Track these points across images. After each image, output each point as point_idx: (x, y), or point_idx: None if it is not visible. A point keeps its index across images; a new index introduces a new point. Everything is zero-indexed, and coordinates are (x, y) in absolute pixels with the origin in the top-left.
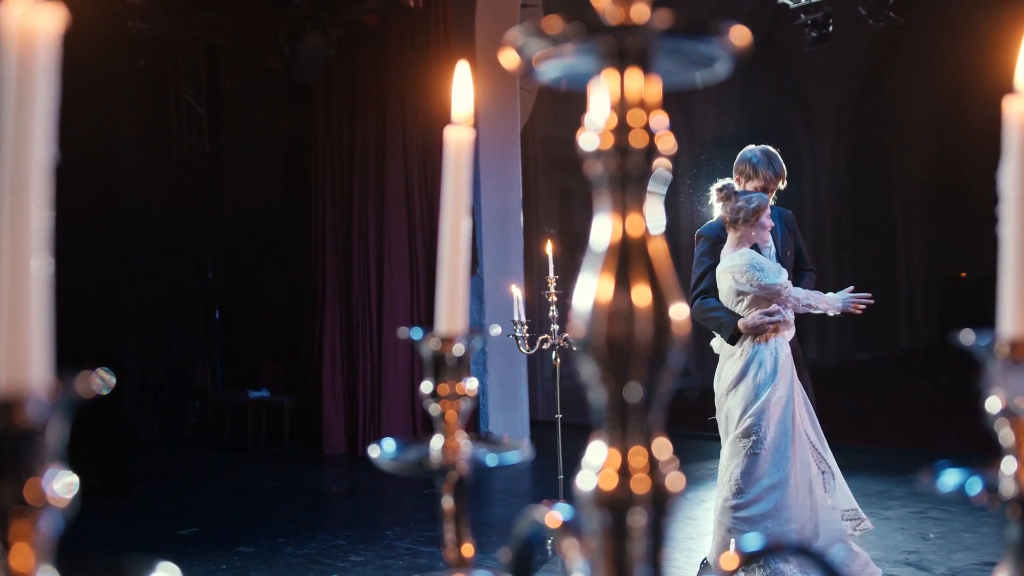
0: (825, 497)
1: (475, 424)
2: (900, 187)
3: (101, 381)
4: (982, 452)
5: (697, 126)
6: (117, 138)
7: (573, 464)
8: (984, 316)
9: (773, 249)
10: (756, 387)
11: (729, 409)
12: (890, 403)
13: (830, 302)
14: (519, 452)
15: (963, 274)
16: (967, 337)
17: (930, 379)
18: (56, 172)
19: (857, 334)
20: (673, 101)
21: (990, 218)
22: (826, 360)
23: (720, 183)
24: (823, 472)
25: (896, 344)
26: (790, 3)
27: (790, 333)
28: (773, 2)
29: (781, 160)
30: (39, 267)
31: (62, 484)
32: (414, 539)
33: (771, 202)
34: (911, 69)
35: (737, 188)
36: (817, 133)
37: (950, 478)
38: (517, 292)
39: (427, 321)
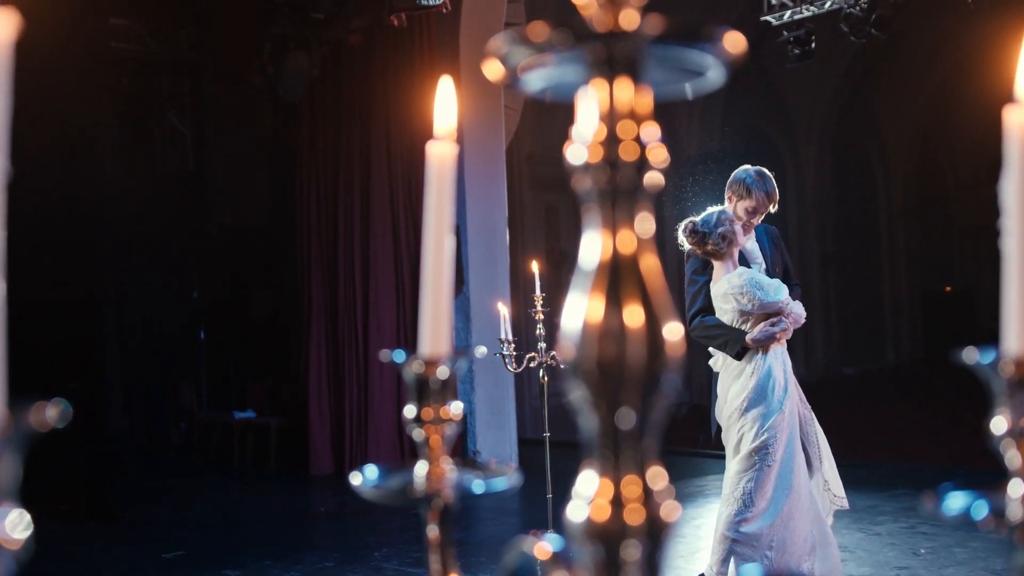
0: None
1: (463, 443)
2: (884, 202)
3: (55, 414)
4: (969, 466)
5: (680, 143)
6: (101, 158)
7: (562, 484)
8: (968, 329)
9: (763, 266)
10: (776, 402)
11: (743, 426)
12: (877, 417)
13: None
14: (507, 478)
15: (948, 288)
16: (970, 355)
17: (917, 393)
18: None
19: (844, 349)
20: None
21: (973, 232)
22: (813, 374)
23: (684, 224)
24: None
25: (882, 358)
26: (772, 20)
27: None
28: (756, 19)
29: (774, 182)
30: None
31: (13, 524)
32: (402, 560)
33: (757, 222)
34: (893, 85)
35: (698, 224)
36: (801, 149)
37: (955, 502)
38: (504, 310)
39: (413, 340)
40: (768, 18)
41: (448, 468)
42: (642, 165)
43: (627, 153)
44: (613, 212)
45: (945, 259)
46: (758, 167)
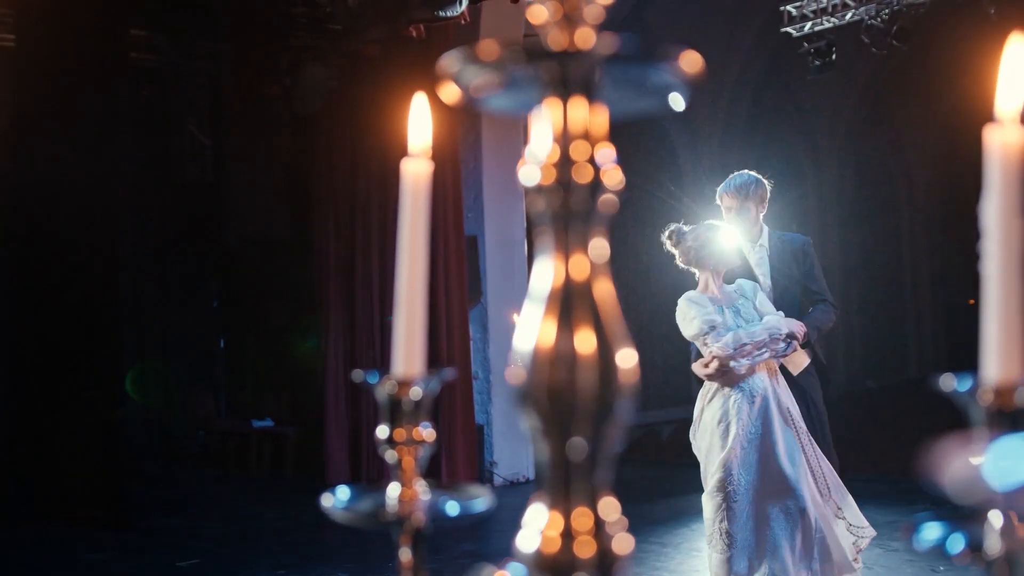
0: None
1: (480, 454)
2: (906, 214)
3: None
4: None
5: (703, 155)
6: (120, 168)
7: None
8: None
9: (768, 280)
10: (736, 433)
11: (704, 457)
12: (899, 432)
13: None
14: (482, 500)
15: (971, 301)
16: (947, 382)
17: (939, 407)
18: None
19: (866, 362)
20: (680, 125)
21: None
22: (835, 388)
23: (670, 229)
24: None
25: (905, 372)
26: (793, 32)
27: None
28: (776, 31)
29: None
30: None
31: None
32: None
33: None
34: (916, 97)
35: (685, 229)
36: (823, 161)
37: (930, 534)
38: (520, 321)
39: (431, 353)
40: (789, 30)
41: (421, 490)
42: (596, 188)
43: (580, 175)
44: (566, 236)
45: (968, 272)
46: (749, 171)
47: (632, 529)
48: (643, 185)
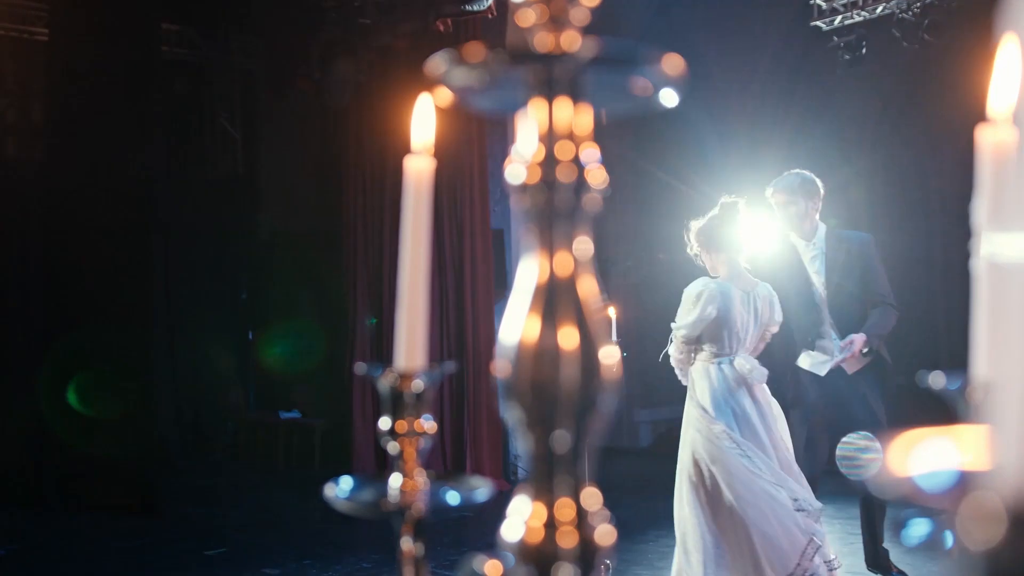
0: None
1: (504, 449)
2: (938, 211)
3: None
4: None
5: (731, 150)
6: (152, 161)
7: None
8: None
9: (823, 277)
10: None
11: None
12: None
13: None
14: (483, 490)
15: None
16: (937, 380)
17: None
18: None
19: (897, 365)
20: (708, 120)
21: None
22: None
23: (693, 225)
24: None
25: (936, 369)
26: (823, 26)
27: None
28: (806, 25)
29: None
30: None
31: None
32: (439, 563)
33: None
34: (948, 92)
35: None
36: (852, 157)
37: (918, 530)
38: None
39: (457, 345)
40: (819, 24)
41: (422, 480)
42: (580, 187)
43: (565, 175)
44: (551, 234)
45: None
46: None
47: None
48: (670, 181)
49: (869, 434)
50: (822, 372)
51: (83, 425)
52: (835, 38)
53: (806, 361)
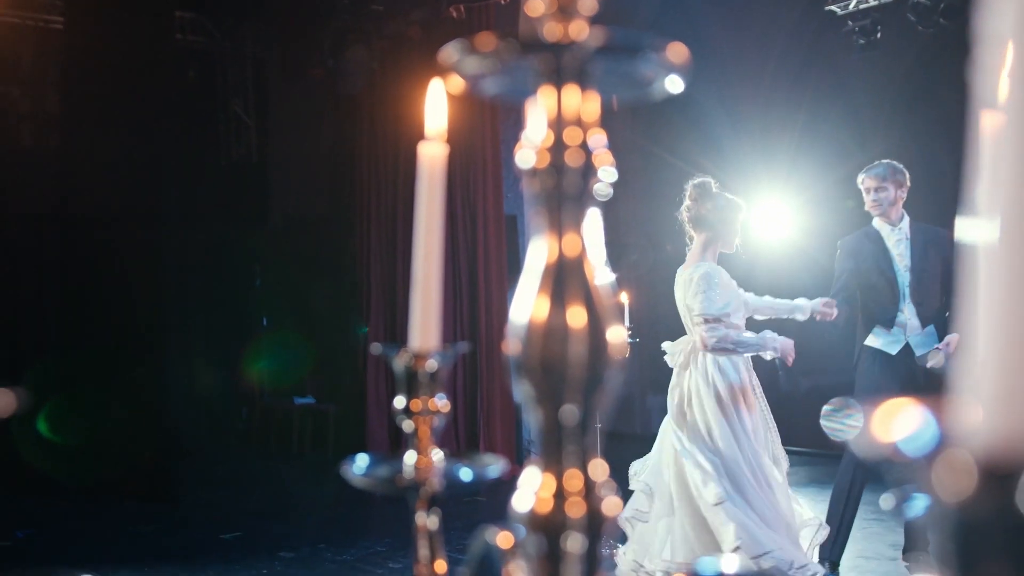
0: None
1: (517, 434)
2: (951, 200)
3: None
4: None
5: (743, 136)
6: (167, 148)
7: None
8: None
9: (907, 261)
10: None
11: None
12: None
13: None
14: (496, 467)
15: None
16: (936, 357)
17: None
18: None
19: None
20: (720, 106)
21: None
22: None
23: (700, 179)
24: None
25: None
26: (837, 10)
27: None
28: (820, 9)
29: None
30: None
31: None
32: (452, 547)
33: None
34: (963, 77)
35: (714, 188)
36: (867, 142)
37: (920, 503)
38: None
39: (470, 330)
40: (833, 8)
41: (436, 458)
42: (588, 171)
43: (573, 159)
44: (560, 216)
45: None
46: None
47: None
48: (682, 167)
49: (852, 399)
50: (893, 352)
51: (98, 411)
52: (850, 22)
53: (876, 340)
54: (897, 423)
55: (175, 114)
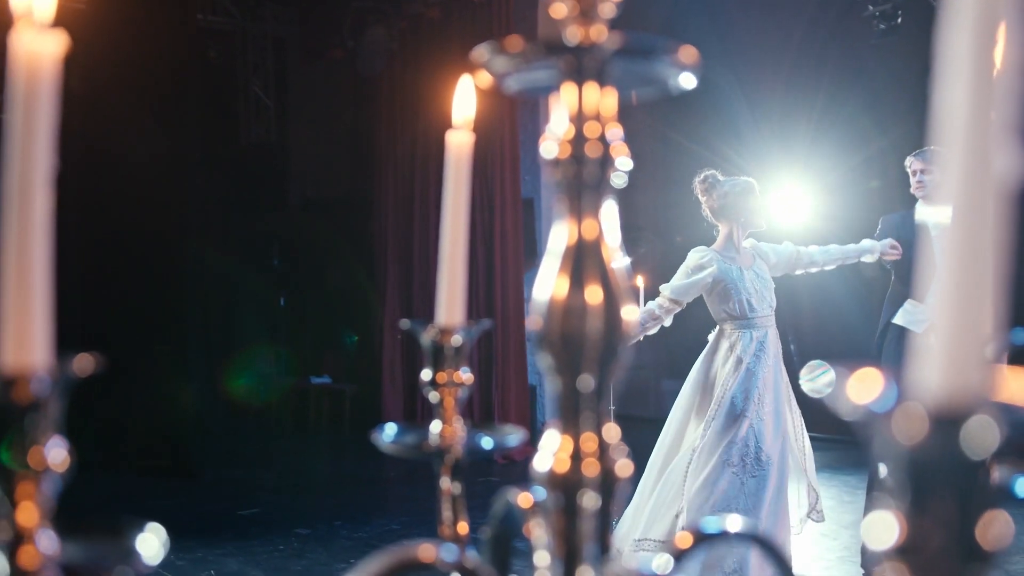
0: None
1: (532, 416)
2: None
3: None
4: None
5: (761, 120)
6: (187, 128)
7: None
8: None
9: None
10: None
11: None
12: None
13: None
14: (516, 436)
15: None
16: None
17: None
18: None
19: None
20: (740, 91)
21: None
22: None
23: (704, 174)
24: None
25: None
26: None
27: None
28: None
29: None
30: (41, 260)
31: (57, 452)
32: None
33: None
34: None
35: (720, 177)
36: (888, 127)
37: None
38: None
39: (486, 309)
40: None
41: (460, 427)
42: (605, 162)
43: (592, 151)
44: (579, 202)
45: None
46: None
47: None
48: (701, 152)
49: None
50: (919, 330)
51: (119, 388)
52: (870, 7)
53: (903, 318)
54: (867, 385)
55: (196, 94)
